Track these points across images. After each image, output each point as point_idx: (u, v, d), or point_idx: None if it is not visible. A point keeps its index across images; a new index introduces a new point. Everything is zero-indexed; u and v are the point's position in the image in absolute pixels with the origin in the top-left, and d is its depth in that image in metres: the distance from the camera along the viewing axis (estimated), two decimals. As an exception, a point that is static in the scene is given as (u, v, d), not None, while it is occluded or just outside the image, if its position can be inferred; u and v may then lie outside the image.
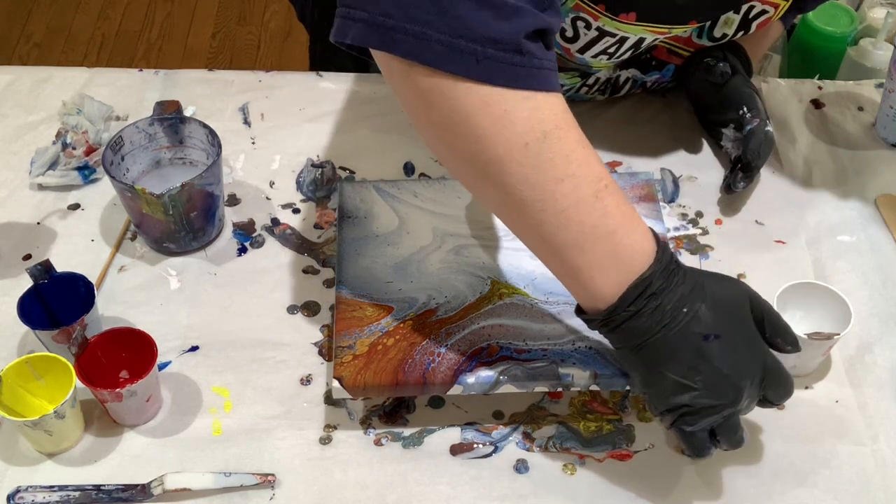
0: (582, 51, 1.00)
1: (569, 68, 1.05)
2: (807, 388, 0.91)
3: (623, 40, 0.97)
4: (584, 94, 1.13)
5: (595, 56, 1.00)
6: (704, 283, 0.77)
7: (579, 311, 0.79)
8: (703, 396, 0.76)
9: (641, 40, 0.98)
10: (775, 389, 0.79)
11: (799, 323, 0.91)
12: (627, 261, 0.74)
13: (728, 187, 1.04)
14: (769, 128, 1.03)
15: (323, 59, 1.29)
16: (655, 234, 0.76)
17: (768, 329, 0.79)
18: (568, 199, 0.72)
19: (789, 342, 0.80)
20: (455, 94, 0.70)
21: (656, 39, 1.00)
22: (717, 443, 0.80)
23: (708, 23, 1.03)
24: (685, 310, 0.74)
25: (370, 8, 0.69)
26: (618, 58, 1.02)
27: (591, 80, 1.10)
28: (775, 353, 0.80)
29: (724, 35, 1.03)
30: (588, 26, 0.96)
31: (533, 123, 0.70)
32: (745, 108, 1.04)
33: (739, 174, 1.03)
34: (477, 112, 0.70)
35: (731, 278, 0.80)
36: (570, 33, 0.98)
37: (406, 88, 0.73)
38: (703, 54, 1.08)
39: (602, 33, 0.97)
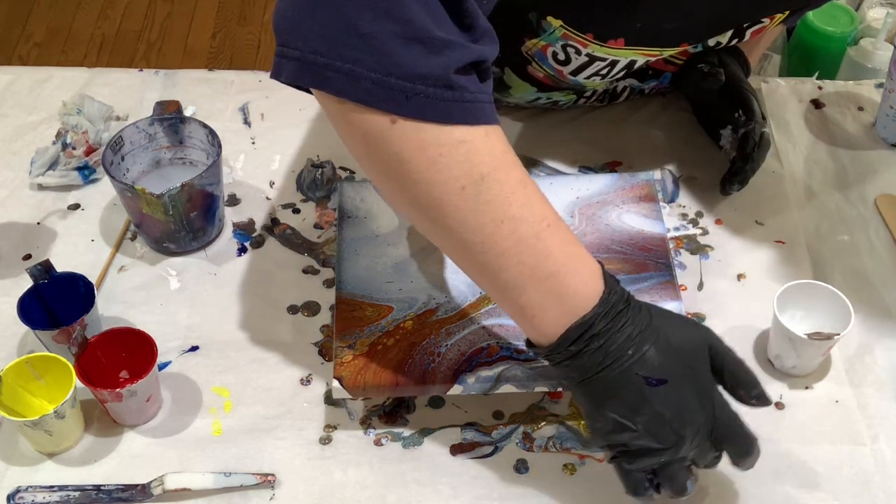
0: (574, 73, 1.00)
1: (563, 88, 1.05)
2: (807, 388, 0.91)
3: (614, 63, 0.98)
4: (583, 104, 1.13)
5: (588, 77, 1.01)
6: (659, 325, 0.74)
7: (528, 344, 0.78)
8: (642, 438, 0.74)
9: (633, 62, 0.98)
10: (733, 446, 0.76)
11: (799, 323, 0.91)
12: (569, 301, 0.73)
13: (724, 189, 1.04)
14: (766, 129, 1.03)
15: None
16: (605, 273, 0.75)
17: (728, 379, 0.76)
18: (508, 240, 0.71)
19: (753, 395, 0.76)
20: (391, 137, 0.69)
21: (648, 61, 1.00)
22: (657, 487, 0.77)
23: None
24: (630, 351, 0.73)
25: (301, 46, 0.68)
26: (611, 78, 1.02)
27: (588, 93, 1.10)
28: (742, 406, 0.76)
29: (718, 43, 1.03)
30: (578, 52, 0.96)
31: (469, 167, 0.69)
32: (740, 111, 1.04)
33: (735, 176, 1.03)
34: (413, 156, 0.69)
35: (693, 322, 0.78)
36: (561, 56, 0.98)
37: (343, 128, 0.72)
38: (698, 58, 1.08)
39: (592, 58, 0.97)
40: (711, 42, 1.03)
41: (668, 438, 0.73)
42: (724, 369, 0.76)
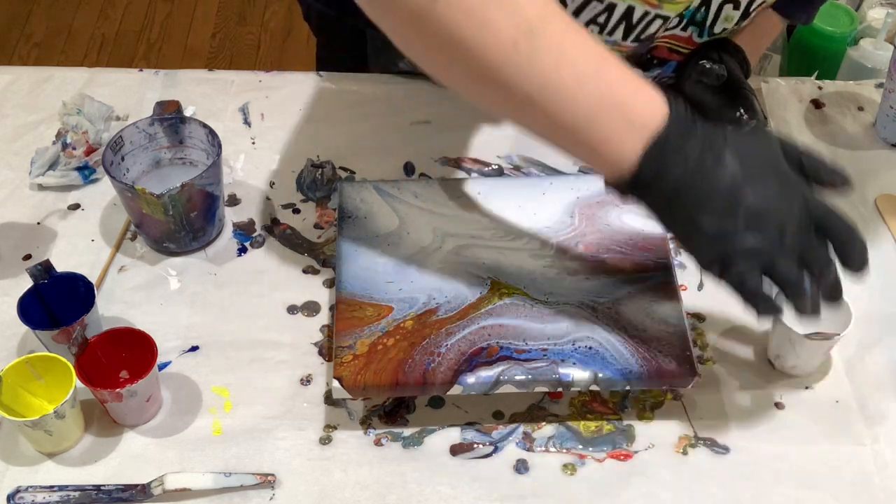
0: (573, 15, 1.00)
1: None
2: (807, 388, 0.91)
3: (611, 8, 0.97)
4: None
5: (587, 24, 1.00)
6: (728, 132, 0.77)
7: (607, 185, 0.79)
8: (743, 239, 0.74)
9: (631, 10, 0.98)
10: (835, 235, 0.76)
11: (799, 323, 0.90)
12: (639, 123, 0.74)
13: None
14: (768, 128, 1.03)
15: (328, 58, 1.29)
16: (667, 94, 0.77)
17: (809, 170, 0.77)
18: (569, 81, 0.73)
19: (833, 178, 0.78)
20: (435, 11, 0.71)
21: (647, 15, 0.99)
22: (780, 299, 0.77)
23: (707, 16, 1.02)
24: (710, 157, 0.74)
25: None
26: (609, 32, 1.02)
27: None
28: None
29: (725, 30, 1.03)
30: None
31: (518, 21, 0.71)
32: (741, 111, 1.04)
33: None
34: (460, 25, 0.71)
35: (757, 126, 0.81)
36: None
37: (386, 16, 0.74)
38: (698, 56, 1.08)
39: None
40: (718, 29, 1.03)
41: (767, 231, 0.74)
42: (801, 162, 0.77)
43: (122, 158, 0.99)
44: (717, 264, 0.76)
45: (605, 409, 0.89)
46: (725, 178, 0.74)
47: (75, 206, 1.05)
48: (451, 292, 0.90)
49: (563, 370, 0.84)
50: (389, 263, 0.93)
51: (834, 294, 0.79)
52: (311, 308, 0.96)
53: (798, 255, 0.76)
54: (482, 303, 0.90)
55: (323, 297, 0.97)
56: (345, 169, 1.09)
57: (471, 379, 0.84)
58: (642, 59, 1.09)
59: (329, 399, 0.89)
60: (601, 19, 0.99)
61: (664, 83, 1.16)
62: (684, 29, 1.04)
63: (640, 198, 0.77)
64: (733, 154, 0.75)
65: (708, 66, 1.06)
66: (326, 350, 0.93)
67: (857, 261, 0.78)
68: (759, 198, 0.74)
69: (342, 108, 1.15)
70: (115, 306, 0.96)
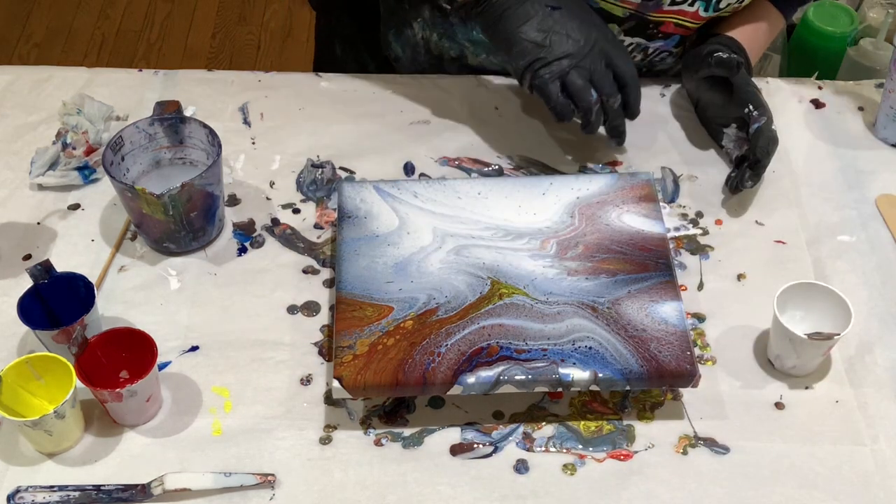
0: None
1: None
2: (807, 388, 0.91)
3: None
4: None
5: None
6: None
7: (454, 10, 1.03)
8: (549, 51, 0.98)
9: None
10: (622, 77, 1.01)
11: (799, 323, 0.91)
12: None
13: (735, 186, 1.04)
14: (774, 126, 1.03)
15: (328, 50, 1.29)
16: None
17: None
18: None
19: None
20: None
21: None
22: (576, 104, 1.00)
23: None
24: None
25: None
26: None
27: None
28: None
29: (729, 4, 1.03)
30: None
31: None
32: (750, 107, 1.04)
33: (748, 172, 1.02)
34: None
35: None
36: None
37: None
38: (701, 51, 1.08)
39: None
40: (723, 3, 1.03)
41: (566, 47, 0.99)
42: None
43: (122, 158, 0.99)
44: (529, 71, 1.00)
45: (605, 409, 0.89)
46: (541, 6, 0.99)
47: (75, 206, 1.05)
48: (451, 292, 0.90)
49: (563, 370, 0.84)
50: (389, 263, 0.93)
51: (615, 124, 1.04)
52: (311, 308, 0.96)
53: (590, 75, 1.00)
54: (482, 303, 0.90)
55: (323, 297, 0.97)
56: (345, 169, 1.09)
57: (471, 379, 0.84)
58: (647, 32, 1.09)
59: (329, 399, 0.89)
60: None
61: (664, 59, 1.16)
62: (691, 4, 1.04)
63: (475, 17, 1.02)
64: None
65: (725, 55, 1.06)
66: (326, 350, 0.93)
67: (632, 106, 1.04)
68: (565, 23, 0.99)
69: (342, 108, 1.15)
70: (115, 306, 0.96)
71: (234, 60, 2.44)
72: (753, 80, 1.10)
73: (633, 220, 0.96)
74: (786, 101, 1.17)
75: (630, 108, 1.04)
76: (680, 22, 1.08)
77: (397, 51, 1.20)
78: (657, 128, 1.13)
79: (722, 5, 1.06)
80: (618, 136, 1.06)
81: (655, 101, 1.17)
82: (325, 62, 1.28)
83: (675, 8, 1.06)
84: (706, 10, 1.06)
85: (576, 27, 0.99)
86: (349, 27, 1.26)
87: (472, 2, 1.01)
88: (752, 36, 1.11)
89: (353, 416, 0.88)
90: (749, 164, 1.03)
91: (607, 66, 1.01)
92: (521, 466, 0.85)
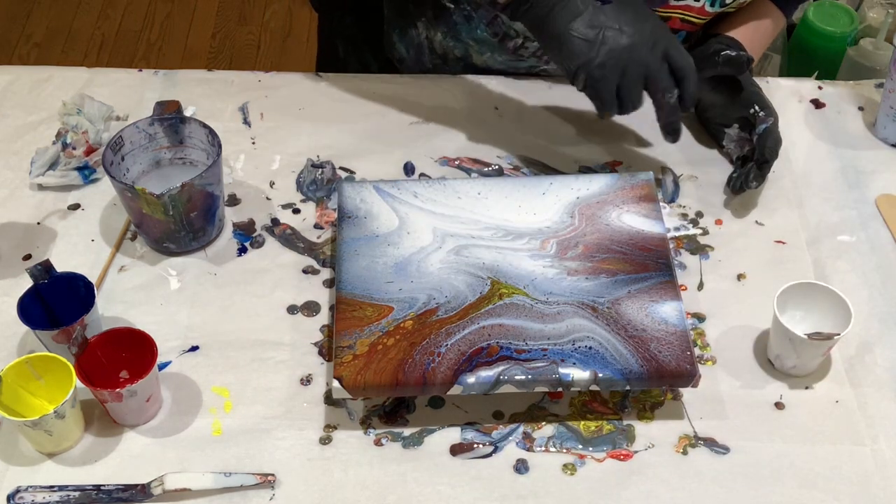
0: None
1: None
2: (807, 388, 0.91)
3: None
4: None
5: None
6: None
7: (497, 7, 0.98)
8: (604, 45, 0.94)
9: None
10: (676, 60, 0.96)
11: (799, 323, 0.91)
12: None
13: (739, 187, 1.04)
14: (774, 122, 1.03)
15: (330, 51, 1.28)
16: None
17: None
18: None
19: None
20: None
21: None
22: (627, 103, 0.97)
23: None
24: None
25: None
26: None
27: None
28: None
29: (735, 0, 1.03)
30: None
31: None
32: (756, 107, 1.04)
33: (753, 172, 1.02)
34: None
35: None
36: None
37: None
38: (706, 51, 1.07)
39: None
40: None
41: (621, 42, 0.94)
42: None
43: (122, 158, 0.99)
44: (583, 71, 0.96)
45: (605, 409, 0.89)
46: (590, 2, 0.95)
47: (75, 206, 1.05)
48: (451, 292, 0.90)
49: (563, 370, 0.84)
50: (389, 263, 0.93)
51: (670, 120, 1.00)
52: (311, 308, 0.96)
53: (646, 71, 0.95)
54: (482, 303, 0.90)
55: (323, 297, 0.97)
56: (345, 169, 1.09)
57: (471, 379, 0.84)
58: None
59: (329, 399, 0.89)
60: None
61: None
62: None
63: (522, 16, 0.97)
64: None
65: (733, 53, 1.06)
66: (326, 350, 0.93)
67: (687, 100, 0.99)
68: (616, 18, 0.95)
69: (342, 108, 1.15)
70: (115, 306, 0.96)
71: (234, 60, 2.44)
72: (756, 78, 1.11)
73: (633, 220, 0.96)
74: (786, 100, 1.17)
75: (685, 103, 0.99)
76: (686, 17, 1.08)
77: (401, 51, 1.19)
78: (657, 128, 1.13)
79: (728, 0, 1.05)
80: (672, 133, 1.02)
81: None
82: (327, 63, 1.28)
83: (682, 3, 1.05)
84: (712, 5, 1.06)
85: (629, 20, 0.94)
86: (351, 28, 1.25)
87: (514, 4, 0.96)
88: (754, 36, 1.11)
89: (353, 416, 0.88)
90: (756, 163, 1.03)
91: (664, 59, 0.96)
92: (521, 466, 0.85)
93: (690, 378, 0.85)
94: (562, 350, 0.86)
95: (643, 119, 1.13)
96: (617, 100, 0.97)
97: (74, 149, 1.06)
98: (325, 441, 0.86)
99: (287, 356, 0.92)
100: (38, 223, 1.03)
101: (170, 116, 1.00)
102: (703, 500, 0.83)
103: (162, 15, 2.55)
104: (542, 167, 1.09)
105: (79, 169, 1.06)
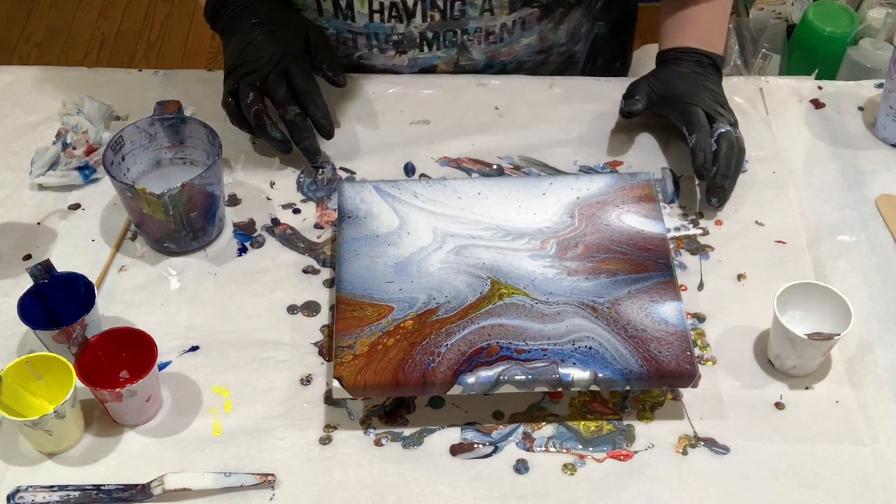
0: None
1: None
2: (807, 388, 0.91)
3: None
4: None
5: None
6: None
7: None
8: (237, 67, 1.05)
9: None
10: (296, 87, 1.04)
11: (799, 323, 0.91)
12: None
13: (707, 200, 1.04)
14: (727, 129, 1.02)
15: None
16: None
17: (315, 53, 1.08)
18: None
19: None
20: None
21: None
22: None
23: None
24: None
25: None
26: None
27: None
28: None
29: None
30: None
31: None
32: (685, 129, 1.04)
33: (711, 189, 1.02)
34: None
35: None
36: None
37: None
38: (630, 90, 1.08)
39: None
40: None
41: (246, 62, 1.04)
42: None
43: (123, 158, 0.99)
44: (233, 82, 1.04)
45: (605, 409, 0.89)
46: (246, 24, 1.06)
47: (75, 206, 1.05)
48: (451, 292, 0.90)
49: (563, 370, 0.84)
50: (389, 263, 0.93)
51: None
52: (311, 308, 0.96)
53: (266, 85, 1.03)
54: (482, 303, 0.90)
55: (323, 297, 0.97)
56: (345, 169, 1.09)
57: (471, 379, 0.84)
58: None
59: (329, 399, 0.89)
60: None
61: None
62: None
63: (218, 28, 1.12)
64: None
65: (629, 99, 1.07)
66: (326, 350, 0.93)
67: (317, 120, 1.04)
68: (244, 40, 1.05)
69: (342, 108, 1.15)
70: (115, 306, 0.96)
71: (234, 60, 2.43)
72: (755, 78, 1.10)
73: (633, 221, 0.96)
74: (786, 101, 1.17)
75: (316, 123, 1.04)
76: None
77: None
78: (657, 128, 1.13)
79: None
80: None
81: (655, 101, 1.16)
82: None
83: None
84: None
85: (253, 44, 1.05)
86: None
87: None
88: (713, 10, 1.09)
89: (353, 416, 0.88)
90: (709, 182, 1.02)
91: (289, 84, 1.04)
92: (521, 466, 0.85)
93: (690, 378, 0.85)
94: (562, 350, 0.86)
95: (643, 119, 1.13)
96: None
97: (74, 149, 1.06)
98: (325, 441, 0.86)
99: (287, 356, 0.92)
100: (38, 223, 1.03)
101: (170, 116, 1.00)
102: (703, 500, 0.83)
103: (162, 15, 2.56)
104: (542, 167, 1.09)
105: (79, 169, 1.06)
